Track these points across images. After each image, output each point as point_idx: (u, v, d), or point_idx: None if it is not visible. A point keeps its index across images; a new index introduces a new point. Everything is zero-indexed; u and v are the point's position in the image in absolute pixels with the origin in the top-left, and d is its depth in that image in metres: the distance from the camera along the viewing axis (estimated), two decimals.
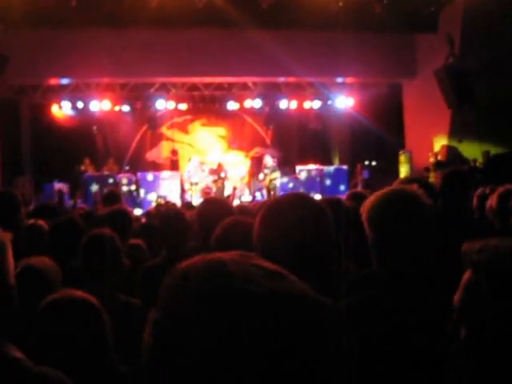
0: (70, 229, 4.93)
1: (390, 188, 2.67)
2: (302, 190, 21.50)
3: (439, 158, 19.09)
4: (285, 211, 2.17)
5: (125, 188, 20.57)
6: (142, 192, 21.03)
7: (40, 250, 4.35)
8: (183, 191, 21.08)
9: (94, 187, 19.70)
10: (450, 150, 19.25)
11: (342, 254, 3.67)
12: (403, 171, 21.11)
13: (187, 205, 12.84)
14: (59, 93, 21.63)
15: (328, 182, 21.77)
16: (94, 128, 23.25)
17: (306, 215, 2.15)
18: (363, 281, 3.21)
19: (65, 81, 20.49)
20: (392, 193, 2.58)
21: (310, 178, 22.11)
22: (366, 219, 2.56)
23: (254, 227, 2.22)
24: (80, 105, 22.01)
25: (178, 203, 17.37)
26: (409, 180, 4.61)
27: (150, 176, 21.51)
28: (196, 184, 20.63)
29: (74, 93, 21.55)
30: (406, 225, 2.46)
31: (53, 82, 20.50)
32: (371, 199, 2.58)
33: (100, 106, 21.97)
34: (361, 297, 2.59)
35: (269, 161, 21.14)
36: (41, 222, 5.32)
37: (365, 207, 2.58)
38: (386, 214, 2.50)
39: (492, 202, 5.04)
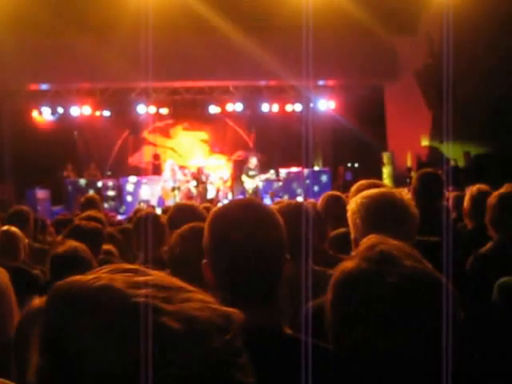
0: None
1: (382, 190, 2.69)
2: (284, 192, 21.58)
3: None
4: (232, 218, 2.13)
5: (107, 193, 20.51)
6: (124, 197, 20.96)
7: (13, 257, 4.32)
8: (163, 196, 21.01)
9: (76, 193, 19.64)
10: (432, 151, 19.34)
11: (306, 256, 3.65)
12: (385, 172, 21.17)
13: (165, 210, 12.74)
14: (39, 98, 21.54)
15: (311, 184, 21.76)
16: (75, 133, 23.13)
17: (255, 221, 2.09)
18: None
19: (45, 86, 20.43)
20: (386, 195, 2.59)
21: (292, 181, 22.13)
22: (357, 217, 2.55)
23: (204, 234, 2.17)
24: (60, 110, 21.91)
25: (158, 208, 17.33)
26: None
27: (132, 181, 21.45)
28: (178, 189, 20.56)
29: (54, 98, 21.47)
30: (397, 227, 2.46)
31: (33, 87, 20.44)
32: (363, 199, 2.58)
33: (81, 111, 21.89)
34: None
35: (254, 162, 21.05)
36: (13, 229, 5.26)
37: (354, 205, 2.58)
38: (380, 215, 2.52)
39: (465, 202, 5.07)
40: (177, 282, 1.02)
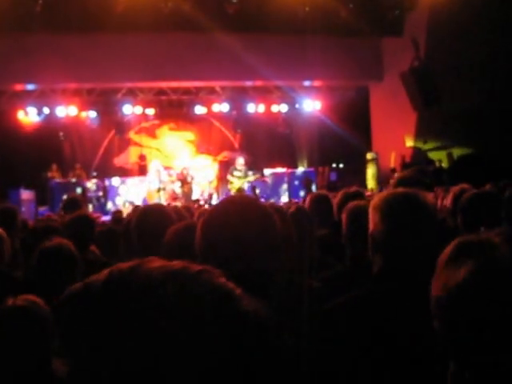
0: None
1: (407, 191, 2.69)
2: (270, 192, 21.60)
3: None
4: (228, 215, 2.13)
5: (92, 194, 20.46)
6: (109, 198, 20.93)
7: None
8: (148, 197, 20.98)
9: (62, 194, 19.59)
10: (416, 152, 19.44)
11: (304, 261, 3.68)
12: (370, 173, 21.26)
13: None
14: (25, 99, 21.43)
15: (296, 184, 21.78)
16: (61, 134, 23.01)
17: (250, 219, 2.10)
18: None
19: (30, 86, 20.33)
20: (410, 196, 2.61)
21: (277, 181, 22.18)
22: (379, 216, 2.57)
23: (196, 234, 2.17)
24: (46, 111, 21.80)
25: None
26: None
27: (117, 181, 21.42)
28: (163, 189, 20.55)
29: (39, 98, 21.37)
30: (415, 228, 2.48)
31: (18, 87, 20.34)
32: (386, 197, 2.60)
33: (66, 111, 21.78)
34: (353, 295, 2.58)
35: (241, 162, 21.02)
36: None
37: (379, 203, 2.60)
38: (402, 211, 2.52)
39: (447, 201, 5.11)
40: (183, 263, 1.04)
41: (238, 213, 2.14)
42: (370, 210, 2.63)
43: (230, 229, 2.08)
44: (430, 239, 2.43)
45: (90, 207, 19.57)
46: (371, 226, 2.61)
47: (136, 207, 11.47)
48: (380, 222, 2.55)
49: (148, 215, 4.07)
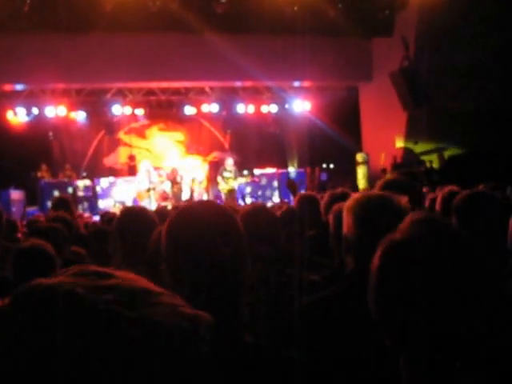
0: None
1: (381, 193, 2.70)
2: (260, 193, 21.61)
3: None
4: (192, 220, 2.12)
5: (82, 194, 20.41)
6: (98, 198, 20.89)
7: None
8: (138, 197, 20.95)
9: (51, 194, 19.54)
10: (406, 152, 19.46)
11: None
12: (360, 173, 21.26)
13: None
14: (14, 99, 21.36)
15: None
16: (50, 134, 22.96)
17: (214, 224, 2.10)
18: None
19: (19, 87, 20.26)
20: (383, 198, 2.60)
21: (268, 182, 22.18)
22: (352, 218, 2.56)
23: (162, 237, 2.16)
24: (35, 111, 21.72)
25: None
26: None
27: (107, 182, 21.38)
28: (153, 189, 20.52)
29: (28, 99, 21.30)
30: (388, 231, 2.48)
31: (7, 88, 20.26)
32: (360, 200, 2.59)
33: (56, 111, 21.71)
34: (323, 296, 2.59)
35: (230, 163, 21.02)
36: None
37: (352, 206, 2.59)
38: (374, 214, 2.52)
39: (437, 203, 5.11)
40: (145, 284, 0.98)
41: (199, 214, 2.15)
42: (344, 212, 2.67)
43: (193, 229, 2.08)
44: None
45: (80, 207, 19.53)
46: (345, 227, 2.64)
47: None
48: (352, 224, 2.58)
49: (129, 217, 4.06)
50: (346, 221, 2.62)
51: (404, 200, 2.68)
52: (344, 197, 5.07)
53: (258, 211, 3.87)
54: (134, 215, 4.10)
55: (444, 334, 1.51)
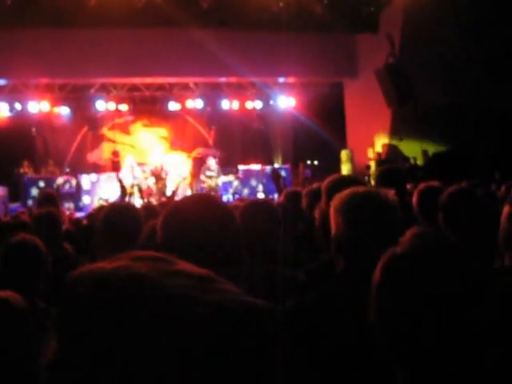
0: None
1: (367, 190, 2.67)
2: (245, 189, 21.62)
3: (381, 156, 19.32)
4: (187, 213, 2.11)
5: (65, 190, 20.32)
6: (82, 194, 20.81)
7: None
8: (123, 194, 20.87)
9: (34, 190, 19.47)
10: (391, 149, 19.50)
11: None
12: (345, 169, 21.29)
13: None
14: None
15: (270, 181, 21.77)
16: (33, 130, 22.87)
17: (210, 217, 2.09)
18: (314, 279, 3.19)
19: (2, 81, 20.11)
20: (371, 195, 2.58)
21: (252, 178, 22.17)
22: (341, 218, 2.53)
23: (157, 230, 2.14)
24: (18, 106, 21.59)
25: None
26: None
27: (91, 178, 21.29)
28: (137, 185, 20.45)
29: (11, 94, 21.16)
30: (379, 227, 2.46)
31: None
32: (347, 199, 2.56)
33: (39, 107, 21.59)
34: (312, 296, 2.57)
35: (212, 163, 21.06)
36: None
37: (339, 205, 2.56)
38: (363, 213, 2.49)
39: (414, 198, 5.11)
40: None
41: (196, 207, 2.14)
42: (331, 213, 2.62)
43: (189, 222, 2.07)
44: (392, 238, 2.44)
45: (64, 204, 19.44)
46: (333, 228, 2.59)
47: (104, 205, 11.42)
48: (342, 224, 2.53)
49: (114, 213, 4.04)
50: (335, 221, 2.57)
51: (391, 193, 2.66)
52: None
53: (260, 207, 3.84)
54: (119, 211, 4.07)
55: (445, 346, 1.52)
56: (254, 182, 22.11)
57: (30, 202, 19.05)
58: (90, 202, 20.23)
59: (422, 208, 4.78)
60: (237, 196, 20.47)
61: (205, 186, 20.73)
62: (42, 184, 19.79)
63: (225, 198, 19.85)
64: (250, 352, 0.92)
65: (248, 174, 22.28)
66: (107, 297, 0.89)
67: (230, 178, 21.64)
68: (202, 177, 20.86)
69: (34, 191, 19.46)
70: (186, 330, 0.87)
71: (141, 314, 0.87)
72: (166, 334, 0.87)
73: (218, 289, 0.95)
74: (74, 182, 20.81)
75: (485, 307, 1.56)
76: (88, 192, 20.97)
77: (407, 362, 1.58)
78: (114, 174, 21.53)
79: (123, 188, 16.44)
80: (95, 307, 0.88)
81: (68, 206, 19.69)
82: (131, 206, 4.38)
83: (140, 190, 19.80)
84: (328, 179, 3.69)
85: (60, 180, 20.49)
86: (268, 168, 21.39)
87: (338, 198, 2.61)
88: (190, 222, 2.06)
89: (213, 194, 20.05)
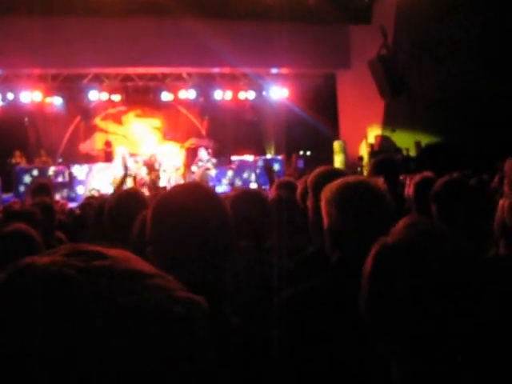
0: None
1: (358, 179, 2.67)
2: (237, 180, 21.62)
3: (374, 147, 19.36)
4: (178, 202, 2.09)
5: (58, 180, 20.28)
6: (74, 184, 20.77)
7: None
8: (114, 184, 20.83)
9: (27, 178, 19.47)
10: (384, 140, 19.52)
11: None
12: (337, 160, 21.30)
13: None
14: None
15: (263, 172, 21.77)
16: (26, 120, 22.80)
17: (201, 205, 2.07)
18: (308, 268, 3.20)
19: None
20: (362, 184, 2.59)
21: (245, 169, 22.18)
22: (334, 209, 2.54)
23: (147, 220, 2.13)
24: (10, 96, 21.52)
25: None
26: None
27: (83, 168, 21.25)
28: (130, 176, 20.40)
29: (3, 83, 21.08)
30: (372, 216, 2.47)
31: None
32: (339, 189, 2.56)
33: (31, 97, 21.53)
34: (308, 286, 2.57)
35: (203, 155, 21.06)
36: None
37: (331, 196, 2.57)
38: (357, 202, 2.50)
39: (410, 189, 5.13)
40: (139, 265, 0.94)
41: (186, 196, 2.12)
42: (323, 204, 2.61)
43: (179, 211, 2.06)
44: (386, 226, 2.45)
45: (56, 194, 19.40)
46: (326, 219, 2.59)
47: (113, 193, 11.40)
48: (335, 214, 2.53)
49: (124, 199, 4.05)
50: (328, 212, 2.57)
51: (380, 182, 2.67)
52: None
53: (251, 197, 3.84)
54: (127, 198, 4.08)
55: (436, 335, 1.52)
56: (246, 173, 22.11)
57: (21, 188, 19.08)
58: (83, 192, 20.18)
59: (418, 199, 4.80)
60: (230, 187, 20.48)
61: (196, 176, 20.72)
62: (35, 173, 19.75)
63: (219, 189, 19.86)
64: (177, 352, 0.88)
65: (241, 165, 22.28)
66: (27, 292, 0.86)
67: (225, 168, 21.65)
68: (194, 168, 20.86)
69: (27, 181, 19.42)
70: (99, 331, 0.84)
71: (55, 313, 0.84)
72: (78, 334, 0.83)
73: (145, 286, 0.90)
74: (66, 172, 20.77)
75: (477, 296, 1.56)
76: (81, 182, 20.94)
77: (398, 352, 1.58)
78: (107, 165, 21.51)
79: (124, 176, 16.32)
80: (17, 302, 0.85)
81: (61, 196, 19.65)
82: (138, 193, 4.38)
83: (134, 181, 19.76)
84: (313, 174, 3.69)
85: (52, 170, 20.45)
86: (260, 160, 21.41)
87: (328, 189, 2.61)
88: (180, 211, 2.04)
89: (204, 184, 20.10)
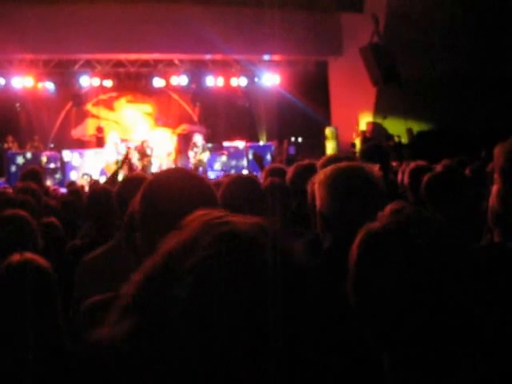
0: None
1: (351, 164, 2.70)
2: (230, 166, 21.65)
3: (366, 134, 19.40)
4: (167, 186, 2.12)
5: (49, 166, 20.27)
6: (66, 170, 20.78)
7: None
8: (106, 169, 20.82)
9: (20, 159, 19.49)
10: (375, 127, 19.56)
11: None
12: (329, 147, 21.34)
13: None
14: None
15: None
16: (17, 105, 22.71)
17: (188, 189, 2.09)
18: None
19: None
20: (355, 168, 2.62)
21: (237, 155, 22.22)
22: (327, 192, 2.57)
23: (135, 205, 2.16)
24: (2, 81, 21.42)
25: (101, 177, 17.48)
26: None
27: (75, 154, 21.24)
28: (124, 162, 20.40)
29: None
30: (364, 201, 2.50)
31: None
32: (332, 173, 2.59)
33: (23, 82, 21.45)
34: None
35: (198, 139, 21.09)
36: None
37: (324, 179, 2.60)
38: (349, 186, 2.53)
39: (404, 177, 5.21)
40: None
41: (174, 180, 2.15)
42: (316, 187, 2.64)
43: (168, 195, 2.08)
44: (377, 210, 2.47)
45: (48, 179, 19.39)
46: (319, 202, 2.62)
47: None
48: (328, 197, 2.56)
49: (131, 183, 4.08)
50: (320, 196, 2.59)
51: (375, 168, 2.69)
52: (311, 169, 5.10)
53: (244, 182, 3.87)
54: (134, 183, 4.12)
55: (423, 323, 1.50)
56: (238, 159, 22.14)
57: (13, 171, 19.07)
58: (76, 177, 20.16)
59: (412, 187, 4.87)
60: (222, 173, 20.49)
61: (192, 162, 20.75)
62: (28, 157, 19.76)
63: (212, 175, 19.89)
64: None
65: (233, 151, 22.32)
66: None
67: (217, 154, 21.66)
68: (191, 153, 20.89)
69: (18, 167, 19.39)
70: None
71: None
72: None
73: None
74: (58, 157, 20.75)
75: (466, 281, 1.53)
76: (72, 168, 20.93)
77: (388, 342, 1.57)
78: (98, 150, 21.51)
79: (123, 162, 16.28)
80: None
81: (52, 181, 19.64)
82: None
83: (129, 167, 19.77)
84: (324, 157, 3.72)
85: (44, 156, 20.44)
86: (250, 151, 21.39)
87: (322, 173, 2.65)
88: (169, 196, 2.07)
89: (201, 169, 20.16)
